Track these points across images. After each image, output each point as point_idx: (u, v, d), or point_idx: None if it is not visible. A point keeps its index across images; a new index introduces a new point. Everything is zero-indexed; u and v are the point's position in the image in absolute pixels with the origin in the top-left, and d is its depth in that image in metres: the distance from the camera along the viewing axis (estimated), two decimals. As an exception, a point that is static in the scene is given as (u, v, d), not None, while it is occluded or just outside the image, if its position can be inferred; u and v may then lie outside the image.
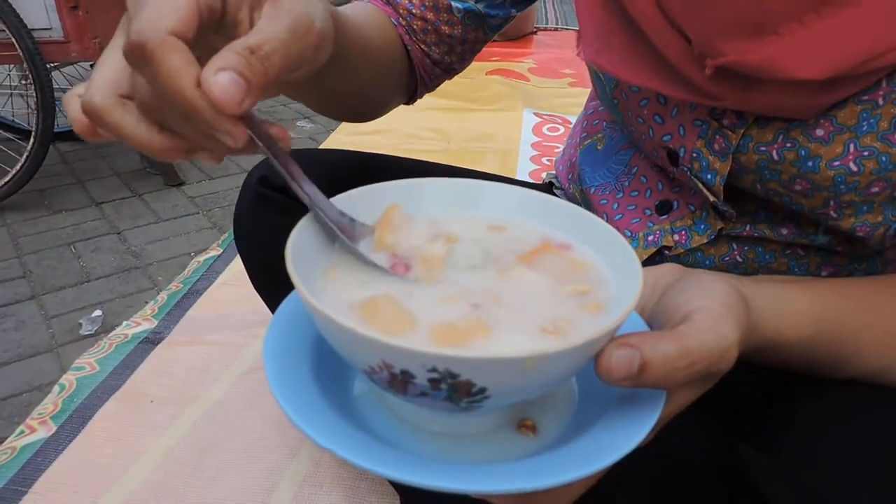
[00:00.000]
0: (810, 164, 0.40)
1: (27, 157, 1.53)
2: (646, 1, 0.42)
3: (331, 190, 0.59)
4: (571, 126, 0.88)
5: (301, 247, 0.31)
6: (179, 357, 0.87)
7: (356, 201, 0.35)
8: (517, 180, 0.75)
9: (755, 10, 0.36)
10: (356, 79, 0.50)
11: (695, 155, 0.46)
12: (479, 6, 0.56)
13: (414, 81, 0.61)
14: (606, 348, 0.27)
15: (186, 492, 0.70)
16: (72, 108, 0.28)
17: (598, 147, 0.61)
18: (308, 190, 0.31)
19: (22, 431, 0.77)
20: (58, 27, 1.54)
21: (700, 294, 0.32)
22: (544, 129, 1.84)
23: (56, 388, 0.85)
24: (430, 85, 0.63)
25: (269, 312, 0.64)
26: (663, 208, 0.52)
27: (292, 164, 0.31)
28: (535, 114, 1.97)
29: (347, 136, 1.86)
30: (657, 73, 0.44)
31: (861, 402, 0.40)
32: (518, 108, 2.02)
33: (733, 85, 0.40)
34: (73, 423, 0.79)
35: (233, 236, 1.20)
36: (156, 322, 0.92)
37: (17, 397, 0.99)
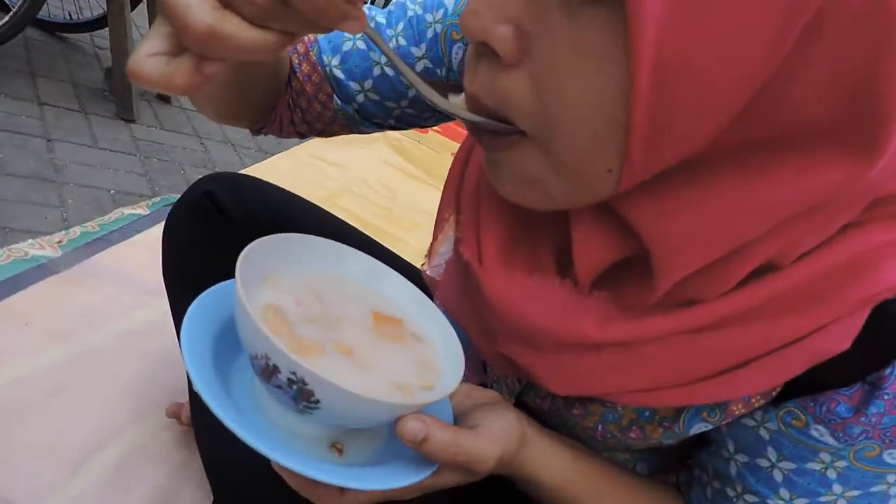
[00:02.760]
0: (570, 423, 0.49)
1: (-6, 30, 1.49)
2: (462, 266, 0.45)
3: (260, 222, 0.60)
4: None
5: (256, 252, 0.39)
6: (69, 295, 0.87)
7: (273, 246, 0.42)
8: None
9: (519, 328, 0.41)
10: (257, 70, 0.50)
11: (496, 379, 0.54)
12: (357, 116, 0.58)
13: (271, 115, 0.59)
14: (410, 416, 0.36)
15: (28, 420, 0.71)
16: (150, 68, 0.26)
17: None
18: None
19: None
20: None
21: (493, 418, 0.41)
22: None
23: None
24: (281, 131, 0.61)
25: (167, 295, 0.69)
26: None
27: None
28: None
29: (308, 157, 1.93)
30: (474, 320, 0.47)
31: None
32: (465, 198, 2.17)
33: (511, 364, 0.45)
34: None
35: (157, 208, 1.22)
36: (60, 253, 0.92)
37: None
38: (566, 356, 0.40)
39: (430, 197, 2.04)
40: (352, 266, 0.45)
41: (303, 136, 0.62)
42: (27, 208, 1.24)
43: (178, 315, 0.68)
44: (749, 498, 0.43)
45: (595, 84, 0.27)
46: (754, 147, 0.29)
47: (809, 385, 0.38)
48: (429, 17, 0.55)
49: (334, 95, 0.57)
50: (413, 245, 1.63)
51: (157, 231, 1.12)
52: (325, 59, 0.56)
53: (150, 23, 1.91)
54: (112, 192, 1.46)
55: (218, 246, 0.62)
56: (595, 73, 0.27)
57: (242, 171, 1.37)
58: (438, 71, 0.56)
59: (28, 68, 1.73)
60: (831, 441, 0.38)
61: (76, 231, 0.98)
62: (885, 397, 0.36)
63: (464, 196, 0.47)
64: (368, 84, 0.56)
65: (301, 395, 0.34)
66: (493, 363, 0.48)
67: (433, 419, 0.37)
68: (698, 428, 0.43)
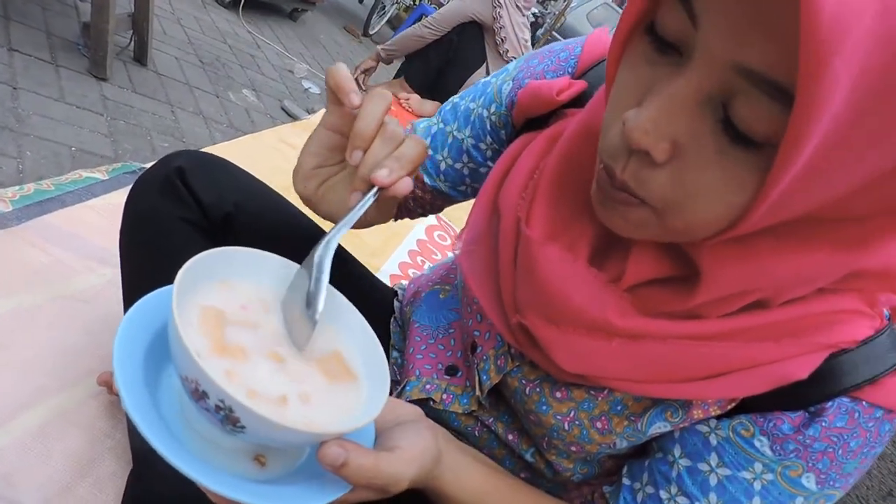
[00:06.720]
0: (544, 408, 0.55)
1: (-27, -33, 1.45)
2: (507, 243, 0.53)
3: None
4: (440, 261, 1.04)
5: (206, 262, 0.41)
6: (15, 251, 0.88)
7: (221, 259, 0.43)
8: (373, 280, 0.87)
9: (553, 302, 0.48)
10: None
11: (485, 357, 0.61)
12: (443, 186, 0.71)
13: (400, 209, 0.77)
14: (330, 442, 0.39)
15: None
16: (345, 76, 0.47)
17: (441, 296, 0.75)
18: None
19: None
20: None
21: (413, 439, 0.47)
22: (435, 234, 1.98)
23: None
24: (407, 216, 0.78)
25: (117, 264, 0.70)
26: (451, 371, 0.67)
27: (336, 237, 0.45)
28: (437, 216, 2.15)
29: (277, 142, 1.93)
30: (493, 297, 0.55)
31: None
32: (428, 202, 2.19)
33: (526, 337, 0.52)
34: None
35: (119, 173, 1.21)
36: (11, 208, 0.92)
37: None
38: (582, 338, 0.47)
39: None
40: (298, 283, 0.46)
41: (423, 215, 0.77)
42: (-18, 156, 1.23)
43: (128, 285, 0.70)
44: (681, 500, 0.50)
45: (728, 197, 0.36)
46: (805, 222, 0.38)
47: (762, 405, 0.47)
48: (472, 105, 0.68)
49: (424, 176, 0.70)
50: (369, 243, 1.66)
51: (113, 197, 1.13)
52: None
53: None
54: (73, 149, 1.45)
55: (182, 223, 0.65)
56: (731, 191, 0.36)
57: (209, 149, 1.38)
58: (482, 144, 0.69)
59: (2, 11, 1.69)
60: (768, 452, 0.47)
61: (30, 188, 0.98)
62: (823, 424, 0.45)
63: (508, 190, 0.55)
64: (445, 152, 0.69)
65: (228, 420, 0.37)
66: (507, 334, 0.54)
67: (354, 445, 0.41)
68: (657, 427, 0.51)
